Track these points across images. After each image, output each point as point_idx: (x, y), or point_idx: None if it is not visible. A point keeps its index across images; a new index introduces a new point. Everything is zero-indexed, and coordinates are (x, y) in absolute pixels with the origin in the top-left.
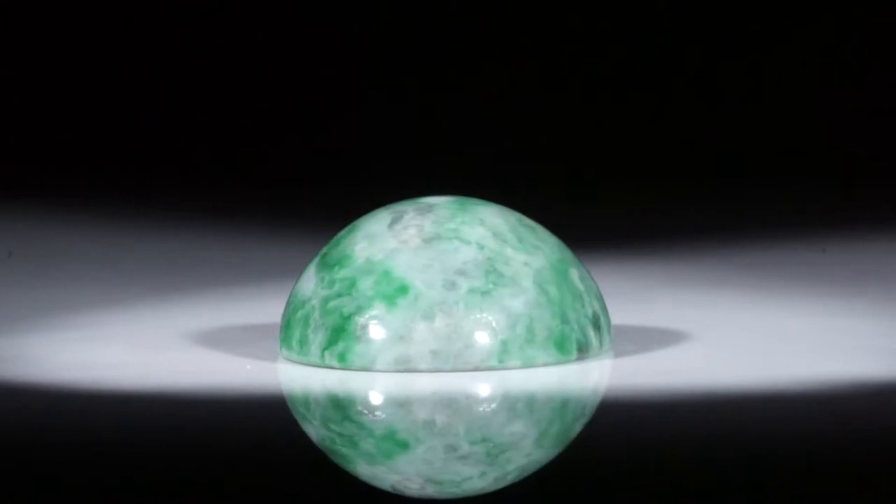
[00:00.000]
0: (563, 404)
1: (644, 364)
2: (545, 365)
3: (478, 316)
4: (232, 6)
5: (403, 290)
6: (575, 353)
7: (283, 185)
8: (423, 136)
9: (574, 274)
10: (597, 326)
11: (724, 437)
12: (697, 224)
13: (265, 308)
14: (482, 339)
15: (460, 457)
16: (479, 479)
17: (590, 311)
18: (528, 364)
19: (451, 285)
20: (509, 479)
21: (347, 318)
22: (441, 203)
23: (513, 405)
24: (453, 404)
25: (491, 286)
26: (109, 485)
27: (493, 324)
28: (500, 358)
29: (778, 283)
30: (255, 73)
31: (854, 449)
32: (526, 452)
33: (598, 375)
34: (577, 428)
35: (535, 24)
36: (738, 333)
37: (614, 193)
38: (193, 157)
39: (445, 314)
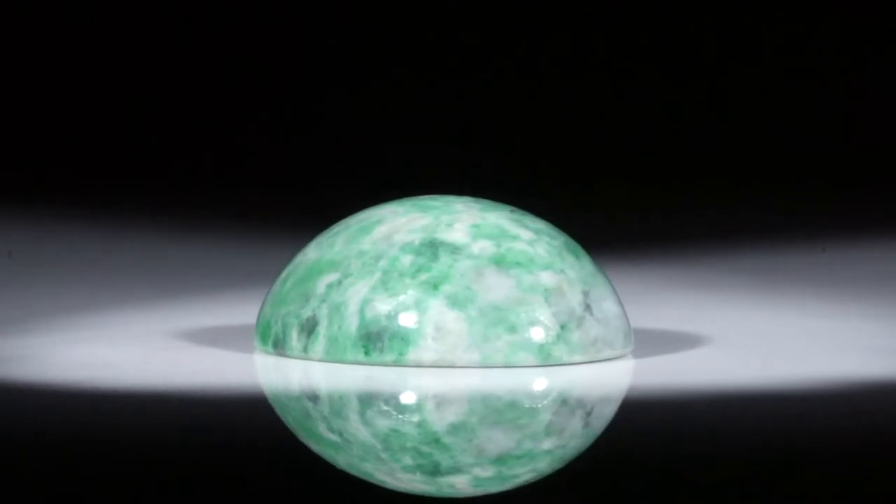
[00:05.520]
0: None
1: (656, 365)
2: (261, 352)
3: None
4: (209, 7)
5: None
6: (271, 348)
7: (279, 186)
8: (426, 135)
9: (329, 279)
10: (306, 331)
11: (733, 438)
12: (698, 228)
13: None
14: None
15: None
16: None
17: (306, 315)
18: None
19: None
20: None
21: None
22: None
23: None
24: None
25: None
26: (110, 484)
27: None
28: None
29: (781, 285)
30: (239, 77)
31: (868, 448)
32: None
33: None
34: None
35: (566, 23)
36: (750, 335)
37: (628, 196)
38: (197, 159)
39: None
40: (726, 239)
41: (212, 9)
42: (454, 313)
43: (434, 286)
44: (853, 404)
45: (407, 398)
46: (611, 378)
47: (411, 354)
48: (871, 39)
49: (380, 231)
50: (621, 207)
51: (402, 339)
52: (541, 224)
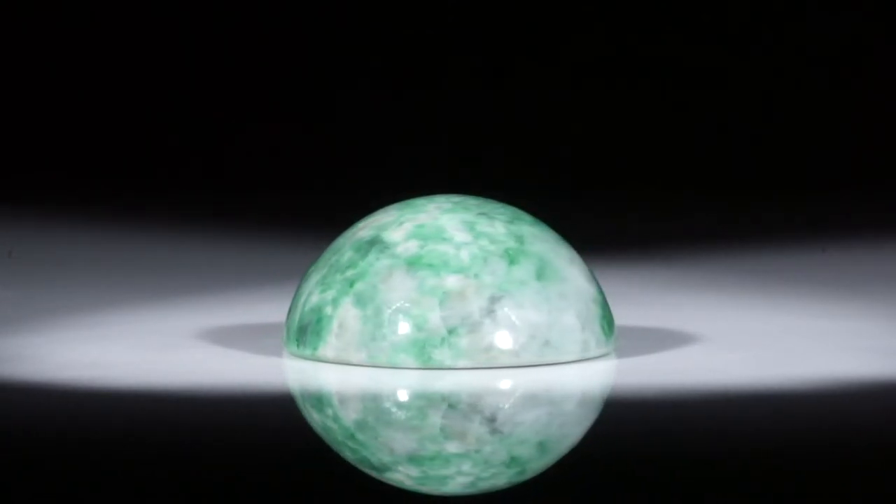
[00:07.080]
0: None
1: (645, 365)
2: None
3: None
4: (213, 8)
5: None
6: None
7: (283, 187)
8: (428, 136)
9: (313, 278)
10: (285, 322)
11: (725, 437)
12: (699, 228)
13: (268, 308)
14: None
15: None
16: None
17: (289, 307)
18: None
19: None
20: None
21: None
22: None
23: None
24: None
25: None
26: (112, 483)
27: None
28: None
29: (781, 285)
30: (256, 77)
31: (856, 448)
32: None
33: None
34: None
35: (544, 25)
36: (742, 335)
37: (620, 197)
38: (197, 160)
39: None
40: (725, 239)
41: (216, 10)
42: (355, 312)
43: (351, 283)
44: (853, 404)
45: (316, 395)
46: (500, 384)
47: (320, 350)
48: (871, 39)
49: (358, 226)
50: (620, 207)
51: (316, 334)
52: (505, 229)
